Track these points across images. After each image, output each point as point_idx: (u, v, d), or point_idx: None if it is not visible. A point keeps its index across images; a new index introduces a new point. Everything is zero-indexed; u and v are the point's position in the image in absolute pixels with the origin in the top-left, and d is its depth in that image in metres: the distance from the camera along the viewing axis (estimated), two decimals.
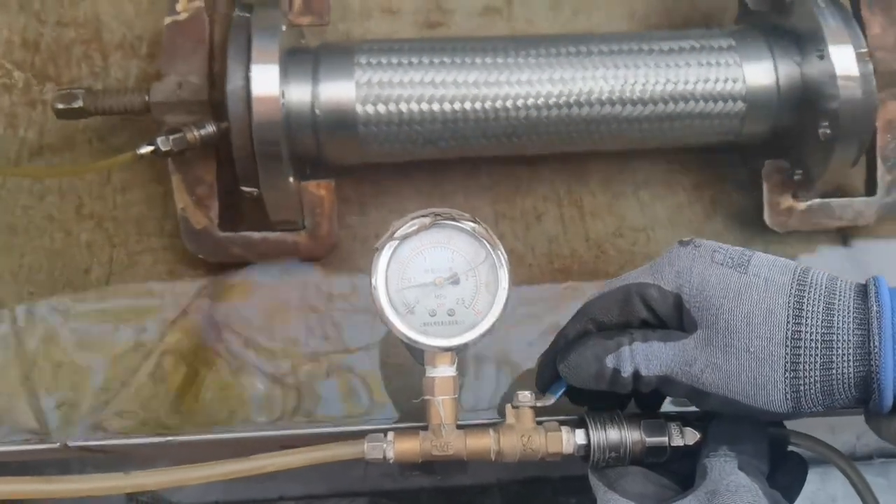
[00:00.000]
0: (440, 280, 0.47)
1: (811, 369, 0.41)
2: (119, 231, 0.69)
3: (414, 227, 0.46)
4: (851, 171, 0.71)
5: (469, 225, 0.47)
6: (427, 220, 0.47)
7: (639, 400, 0.51)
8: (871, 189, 0.71)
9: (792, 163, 0.70)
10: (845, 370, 0.40)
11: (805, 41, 0.67)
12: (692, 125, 0.68)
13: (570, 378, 0.47)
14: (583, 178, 0.75)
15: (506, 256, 0.47)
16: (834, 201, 0.70)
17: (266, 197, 0.64)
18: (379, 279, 0.46)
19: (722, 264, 0.45)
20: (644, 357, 0.44)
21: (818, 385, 0.41)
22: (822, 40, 0.64)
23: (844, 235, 0.74)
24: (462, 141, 0.67)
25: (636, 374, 0.44)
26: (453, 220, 0.47)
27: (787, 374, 0.41)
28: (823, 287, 0.42)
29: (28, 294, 0.66)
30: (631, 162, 0.76)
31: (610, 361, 0.45)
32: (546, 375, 0.50)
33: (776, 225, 0.70)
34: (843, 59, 0.63)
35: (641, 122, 0.68)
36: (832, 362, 0.41)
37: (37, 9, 0.73)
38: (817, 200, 0.70)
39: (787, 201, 0.70)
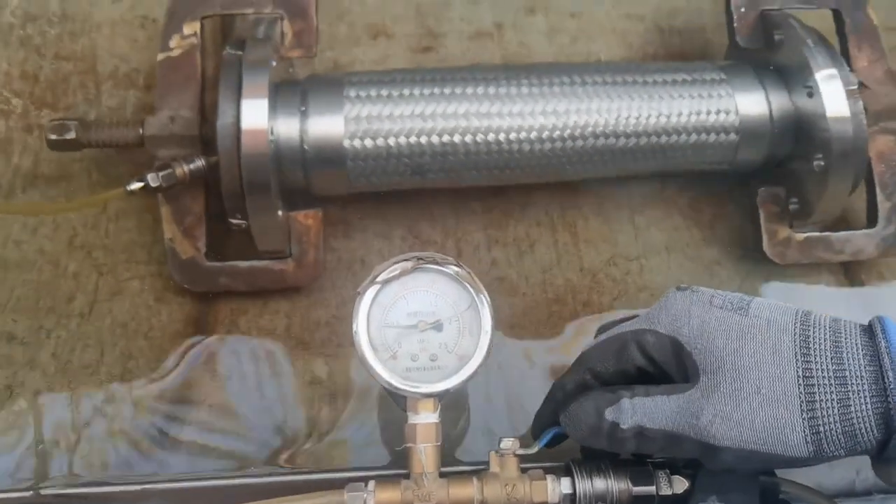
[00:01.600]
0: (423, 324, 0.46)
1: (829, 407, 0.40)
2: (108, 259, 0.69)
3: (396, 272, 0.46)
4: (853, 202, 0.71)
5: (452, 269, 0.46)
6: (409, 264, 0.46)
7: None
8: (872, 218, 0.70)
9: (788, 191, 0.70)
10: (864, 406, 0.39)
11: (794, 78, 0.67)
12: (685, 155, 0.68)
13: (570, 430, 0.46)
14: (577, 201, 0.75)
15: (489, 300, 0.46)
16: (833, 235, 0.70)
17: (254, 229, 0.64)
18: (360, 324, 0.45)
19: (721, 307, 0.44)
20: (646, 411, 0.43)
21: (839, 425, 0.40)
22: (811, 77, 0.64)
23: (846, 266, 0.73)
24: (451, 173, 0.67)
25: (640, 433, 0.43)
26: (436, 263, 0.46)
27: (805, 413, 0.40)
28: (827, 327, 0.42)
29: (12, 322, 0.65)
30: (626, 184, 0.75)
31: (609, 414, 0.43)
32: (541, 425, 0.49)
33: (775, 256, 0.70)
34: (833, 97, 0.63)
35: (635, 154, 0.67)
36: (849, 399, 0.40)
37: (37, 43, 0.74)
38: (816, 233, 0.70)
39: (784, 231, 0.70)
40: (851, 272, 0.73)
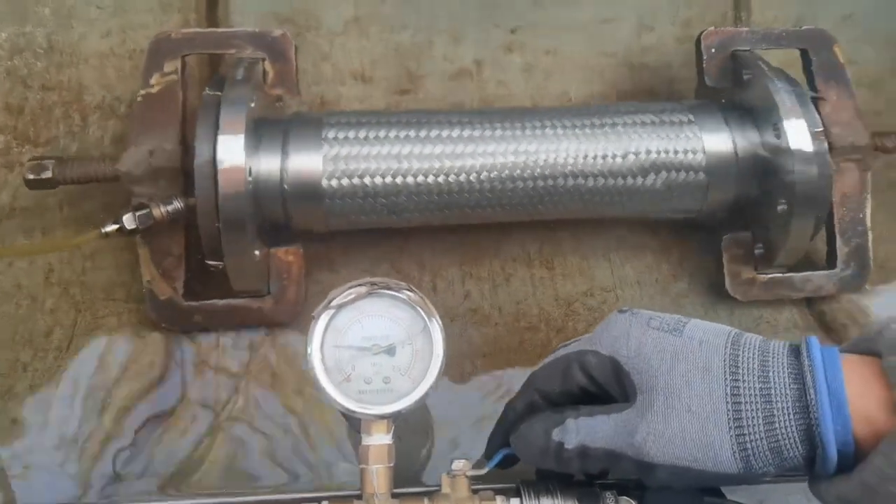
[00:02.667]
0: (377, 347, 0.47)
1: (755, 424, 0.41)
2: (85, 297, 0.70)
3: (350, 296, 0.48)
4: (815, 245, 0.72)
5: (406, 294, 0.48)
6: (364, 290, 0.48)
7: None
8: (832, 262, 0.72)
9: (754, 236, 0.71)
10: (787, 423, 0.41)
11: (762, 118, 0.68)
12: (654, 198, 0.69)
13: (519, 451, 0.47)
14: (556, 240, 0.77)
15: (441, 325, 0.48)
16: (795, 276, 0.71)
17: (229, 268, 0.65)
18: (314, 347, 0.47)
19: (658, 329, 0.45)
20: (588, 430, 0.44)
21: (764, 441, 0.41)
22: (777, 119, 0.65)
23: (809, 299, 0.75)
24: (426, 212, 0.69)
25: (583, 452, 0.44)
26: (389, 289, 0.48)
27: (732, 431, 0.41)
28: (756, 347, 0.43)
29: None
30: (602, 226, 0.77)
31: (556, 434, 0.45)
32: (493, 446, 0.50)
33: (738, 294, 0.71)
34: (798, 139, 0.64)
35: (604, 195, 0.69)
36: (773, 416, 0.41)
37: (23, 74, 0.75)
38: (778, 274, 0.71)
39: (748, 273, 0.71)
40: (813, 303, 0.75)
